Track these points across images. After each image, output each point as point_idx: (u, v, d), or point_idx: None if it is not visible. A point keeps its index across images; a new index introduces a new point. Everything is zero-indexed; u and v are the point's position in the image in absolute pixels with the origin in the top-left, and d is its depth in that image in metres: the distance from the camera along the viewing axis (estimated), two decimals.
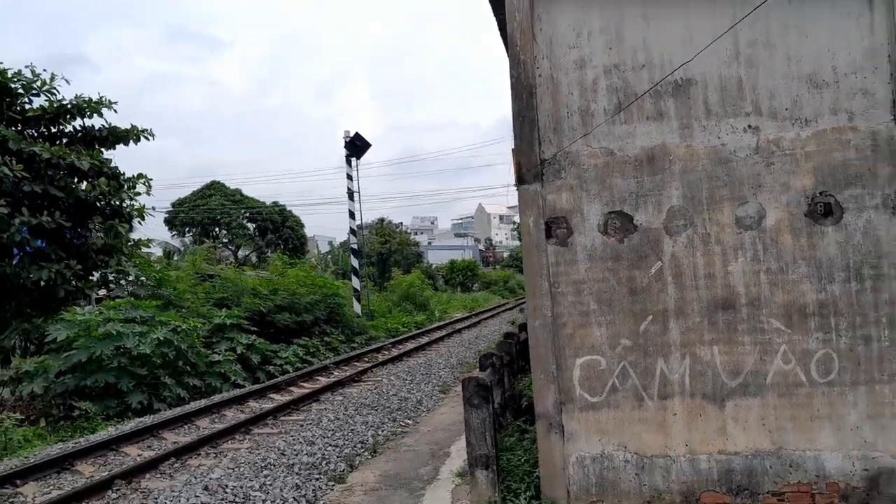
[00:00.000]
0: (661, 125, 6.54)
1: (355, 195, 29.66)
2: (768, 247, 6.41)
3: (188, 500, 7.33)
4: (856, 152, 6.28)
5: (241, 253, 54.38)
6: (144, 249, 19.80)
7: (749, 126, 6.41)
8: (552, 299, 6.67)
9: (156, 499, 7.55)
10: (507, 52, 10.02)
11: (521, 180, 6.69)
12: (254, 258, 53.86)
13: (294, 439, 9.99)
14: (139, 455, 9.54)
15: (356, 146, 29.17)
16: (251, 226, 53.51)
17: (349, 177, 29.60)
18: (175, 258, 47.31)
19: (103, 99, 17.31)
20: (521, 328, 14.70)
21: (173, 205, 51.53)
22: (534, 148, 6.64)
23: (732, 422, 6.44)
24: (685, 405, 6.52)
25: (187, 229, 53.90)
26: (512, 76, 6.68)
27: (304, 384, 15.17)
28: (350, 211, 29.95)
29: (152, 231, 51.43)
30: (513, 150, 14.13)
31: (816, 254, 6.34)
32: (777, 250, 6.39)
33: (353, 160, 29.44)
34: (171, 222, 51.71)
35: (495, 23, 8.32)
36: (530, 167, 6.64)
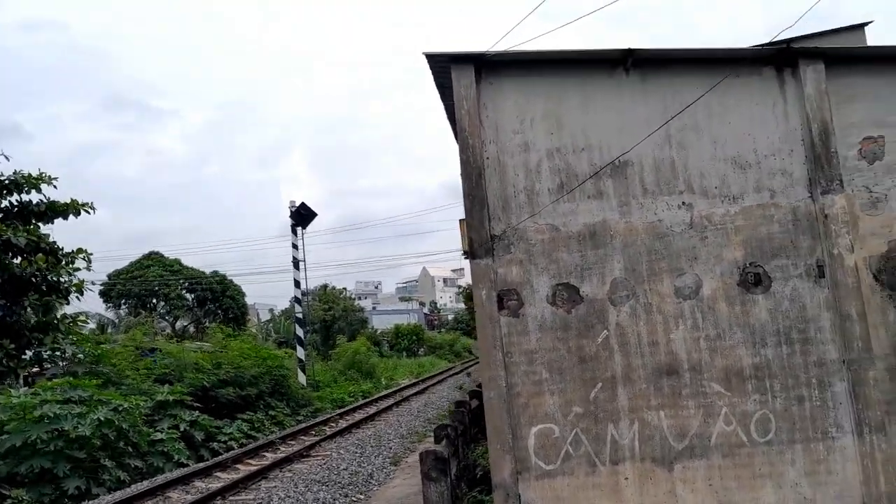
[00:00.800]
0: (601, 203, 7.00)
1: (301, 264, 29.56)
2: (706, 314, 6.84)
3: None
4: (779, 226, 6.86)
5: (178, 324, 52.86)
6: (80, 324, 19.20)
7: (683, 203, 6.94)
8: (506, 370, 6.89)
9: None
10: (455, 135, 10.52)
11: (473, 255, 6.99)
12: (192, 329, 52.41)
13: None
14: None
15: (302, 215, 29.26)
16: (190, 296, 52.26)
17: (294, 246, 29.54)
18: (109, 331, 45.64)
19: (42, 175, 17.11)
20: (471, 395, 14.80)
21: (109, 276, 49.96)
22: (484, 225, 6.98)
23: (681, 483, 6.70)
24: (636, 469, 6.76)
25: (123, 301, 52.21)
26: (462, 159, 7.06)
27: (251, 461, 14.73)
28: (295, 280, 29.74)
29: (85, 304, 49.69)
30: (461, 220, 14.55)
31: (750, 320, 6.80)
32: (714, 318, 6.83)
33: (299, 229, 29.47)
34: (106, 294, 50.02)
35: (442, 105, 8.77)
36: (481, 242, 6.95)
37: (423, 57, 7.13)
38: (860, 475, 6.51)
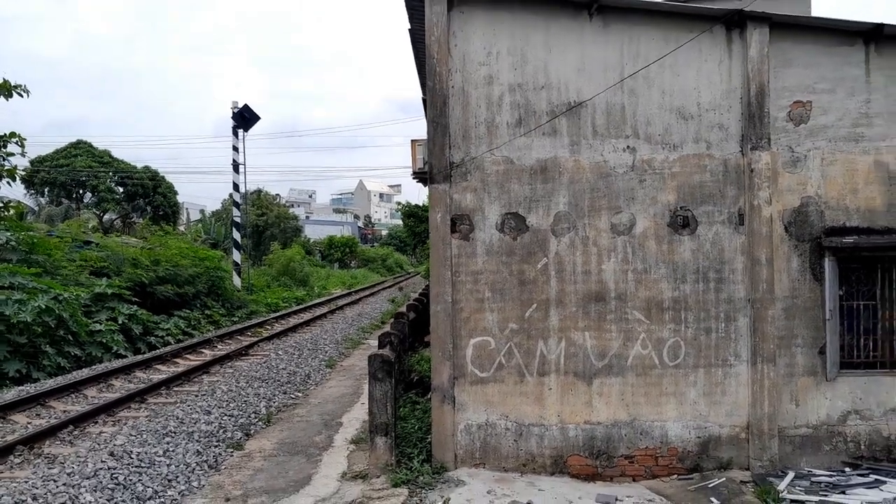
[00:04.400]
0: (554, 140, 7.51)
1: (241, 167, 29.18)
2: (636, 250, 7.57)
3: (95, 465, 7.49)
4: (710, 176, 7.56)
5: (106, 217, 51.33)
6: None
7: (628, 147, 7.53)
8: (453, 287, 7.50)
9: (62, 464, 7.64)
10: (416, 58, 10.72)
11: (431, 180, 7.42)
12: (119, 223, 51.06)
13: (191, 409, 10.22)
14: (29, 423, 9.41)
15: (244, 118, 28.65)
16: (120, 190, 50.60)
17: (235, 148, 29.05)
18: (29, 219, 43.97)
19: None
20: (408, 308, 15.53)
21: (32, 162, 47.50)
22: (445, 152, 7.39)
23: (598, 396, 7.59)
24: (560, 381, 7.60)
25: (47, 189, 50.12)
26: (428, 85, 7.37)
27: (190, 357, 15.17)
28: (234, 183, 29.42)
29: (4, 189, 47.46)
30: (413, 141, 14.86)
31: (674, 258, 7.58)
32: (643, 254, 7.57)
33: (241, 132, 28.91)
34: (28, 181, 47.81)
35: (406, 27, 8.95)
36: (441, 169, 7.39)
37: None
38: (749, 398, 7.53)
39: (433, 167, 7.41)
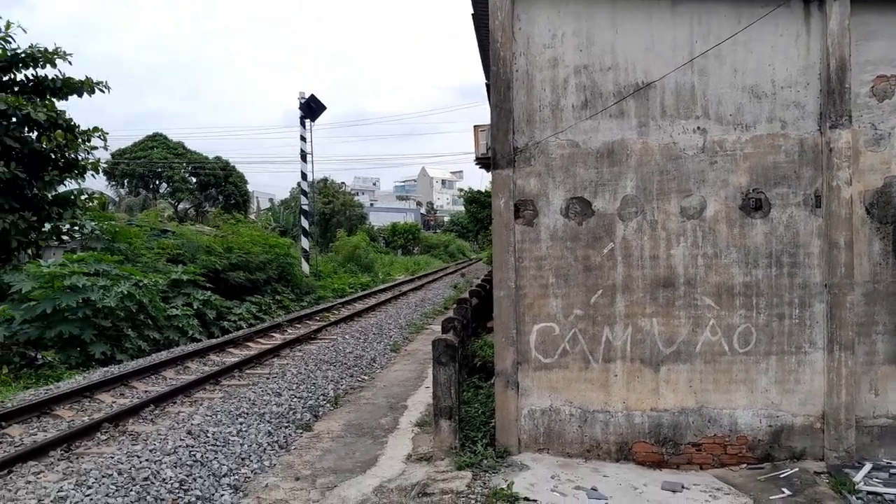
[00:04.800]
0: (621, 122, 7.37)
1: (308, 157, 29.78)
2: (706, 234, 7.38)
3: (174, 443, 7.87)
4: (785, 156, 7.27)
5: (181, 206, 53.42)
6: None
7: (698, 128, 7.32)
8: (516, 273, 7.49)
9: (145, 440, 8.07)
10: (479, 44, 10.67)
11: (495, 165, 7.41)
12: (193, 212, 53.03)
13: (262, 391, 10.60)
14: (114, 402, 9.97)
15: (311, 108, 29.19)
16: (193, 179, 52.56)
17: (303, 138, 29.65)
18: (110, 209, 46.18)
19: (58, 49, 17.00)
20: (470, 294, 15.58)
21: (113, 155, 49.95)
22: (508, 137, 7.36)
23: (664, 383, 7.46)
24: (625, 368, 7.50)
25: (126, 180, 52.53)
26: (492, 70, 7.34)
27: (261, 340, 15.68)
28: (302, 172, 30.06)
29: (88, 181, 49.99)
30: (475, 126, 14.82)
31: (746, 242, 7.35)
32: (714, 238, 7.37)
33: (308, 122, 29.48)
34: (109, 173, 50.24)
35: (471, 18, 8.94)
36: (504, 154, 7.36)
37: None
38: (825, 387, 7.26)
39: (496, 152, 7.39)
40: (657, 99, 7.33)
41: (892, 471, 6.89)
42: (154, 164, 49.77)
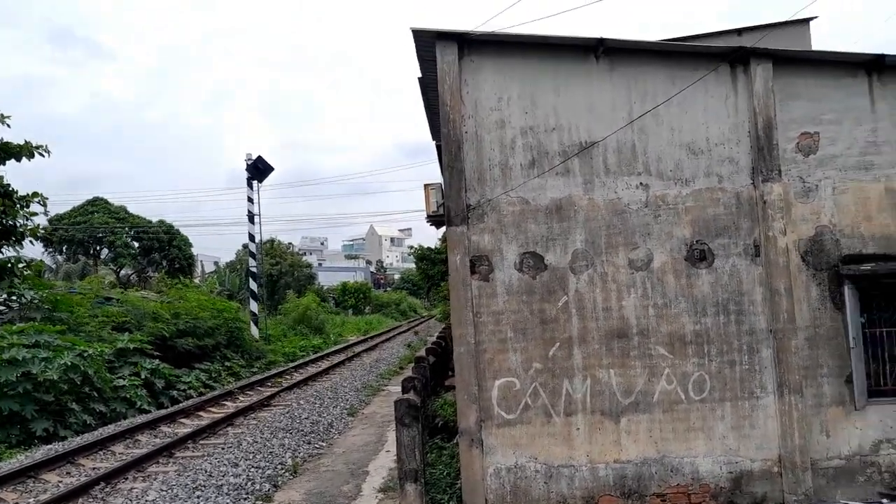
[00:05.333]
0: (568, 180, 7.65)
1: (255, 218, 29.58)
2: (655, 285, 7.62)
3: None
4: (724, 208, 7.65)
5: (122, 272, 51.93)
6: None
7: (641, 183, 7.65)
8: (475, 328, 7.55)
9: None
10: (427, 107, 11.00)
11: (449, 222, 7.56)
12: (135, 278, 51.60)
13: (218, 461, 10.25)
14: (60, 482, 9.48)
15: (258, 169, 29.18)
16: (136, 244, 51.30)
17: (250, 199, 29.51)
18: (47, 276, 44.52)
19: None
20: (427, 352, 15.54)
21: (51, 220, 48.39)
22: (461, 195, 7.54)
23: (626, 434, 7.55)
24: (587, 420, 7.57)
25: (65, 247, 50.90)
26: (443, 132, 7.57)
27: (213, 409, 15.23)
28: (250, 233, 29.81)
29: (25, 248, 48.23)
30: (426, 185, 15.05)
31: (693, 292, 7.62)
32: (662, 288, 7.62)
33: (255, 183, 29.40)
34: (47, 239, 48.57)
35: (416, 80, 9.22)
36: (458, 211, 7.53)
37: (410, 31, 7.54)
38: (778, 430, 7.46)
39: (450, 210, 7.55)
40: (600, 157, 7.65)
41: None
42: (95, 229, 48.45)
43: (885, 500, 7.27)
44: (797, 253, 7.60)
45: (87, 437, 12.13)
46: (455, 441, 9.24)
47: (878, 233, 7.59)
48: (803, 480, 7.34)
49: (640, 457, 7.51)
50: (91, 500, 8.69)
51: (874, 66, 7.58)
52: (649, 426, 7.54)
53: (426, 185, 14.39)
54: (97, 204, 50.75)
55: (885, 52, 7.37)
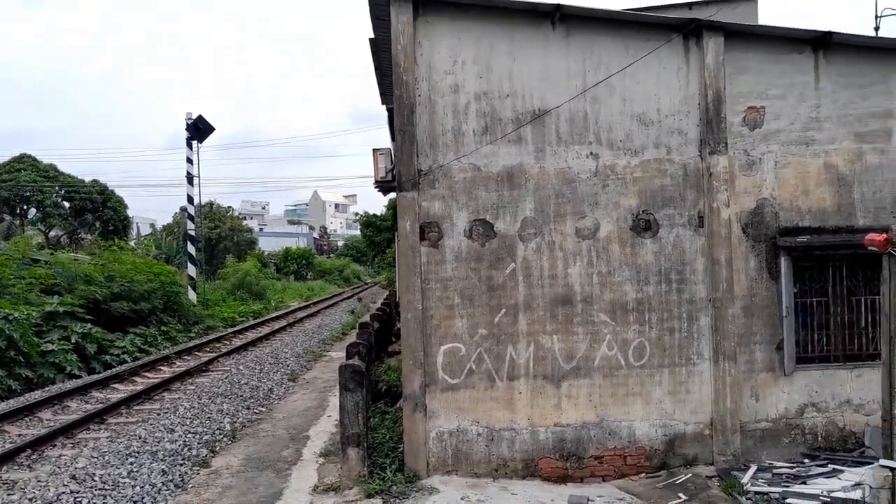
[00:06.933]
0: (520, 148, 7.63)
1: (195, 180, 28.63)
2: (600, 254, 7.73)
3: (57, 489, 7.23)
4: (671, 180, 7.77)
5: (52, 233, 49.71)
6: None
7: (591, 153, 7.69)
8: (423, 294, 7.52)
9: (22, 489, 7.34)
10: (377, 70, 10.77)
11: (400, 188, 7.45)
12: (66, 239, 49.53)
13: (153, 427, 9.97)
14: None
15: (198, 129, 28.13)
16: (67, 205, 49.08)
17: (189, 160, 28.48)
18: None
19: None
20: (372, 318, 15.45)
21: None
22: (412, 160, 7.43)
23: (566, 399, 7.70)
24: (529, 385, 7.68)
25: None
26: (395, 94, 7.41)
27: (148, 374, 14.79)
28: (189, 195, 28.83)
29: None
30: (374, 150, 14.82)
31: (637, 261, 7.76)
32: (607, 257, 7.73)
33: (195, 143, 28.38)
34: None
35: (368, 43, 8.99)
36: (409, 177, 7.42)
37: None
38: (712, 395, 7.74)
39: (401, 175, 7.43)
40: (553, 125, 7.64)
41: (775, 471, 7.42)
42: (21, 187, 46.08)
43: (806, 460, 7.66)
44: (738, 224, 7.81)
45: (12, 403, 11.61)
46: (398, 405, 9.25)
47: (814, 206, 7.87)
48: (732, 442, 7.66)
49: (580, 420, 7.68)
50: (16, 467, 8.32)
51: (821, 43, 7.76)
52: (589, 391, 7.71)
53: (375, 151, 14.16)
54: (24, 161, 48.17)
55: (833, 30, 7.55)
